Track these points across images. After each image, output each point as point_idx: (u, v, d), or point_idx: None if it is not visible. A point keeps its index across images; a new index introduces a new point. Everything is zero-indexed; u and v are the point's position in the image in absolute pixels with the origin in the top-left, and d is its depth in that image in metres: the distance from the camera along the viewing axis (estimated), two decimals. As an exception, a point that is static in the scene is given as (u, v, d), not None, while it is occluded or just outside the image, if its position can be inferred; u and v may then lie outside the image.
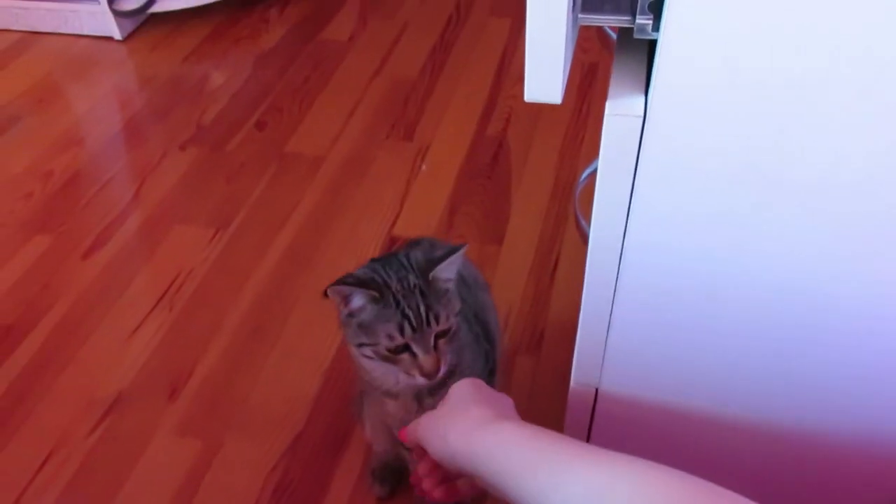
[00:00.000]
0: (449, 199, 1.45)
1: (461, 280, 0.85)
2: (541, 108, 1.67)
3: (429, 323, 0.73)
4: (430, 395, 0.80)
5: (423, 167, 1.53)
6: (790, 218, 0.49)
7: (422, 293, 0.74)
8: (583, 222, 1.02)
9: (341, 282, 0.75)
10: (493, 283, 1.28)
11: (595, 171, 1.10)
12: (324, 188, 1.49)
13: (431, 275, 0.74)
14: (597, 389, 0.65)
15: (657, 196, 0.49)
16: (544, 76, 0.45)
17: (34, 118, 1.72)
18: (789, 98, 0.43)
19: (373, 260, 0.80)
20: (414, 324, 0.73)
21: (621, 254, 0.52)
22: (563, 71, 0.44)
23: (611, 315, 0.57)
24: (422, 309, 0.73)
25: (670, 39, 0.41)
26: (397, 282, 0.74)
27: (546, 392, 1.12)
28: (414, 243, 0.89)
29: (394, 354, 0.74)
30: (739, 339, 0.57)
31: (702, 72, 0.42)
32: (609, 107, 0.45)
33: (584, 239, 1.07)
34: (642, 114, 0.44)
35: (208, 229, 1.41)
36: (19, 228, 1.43)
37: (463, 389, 0.63)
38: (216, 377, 1.16)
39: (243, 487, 1.03)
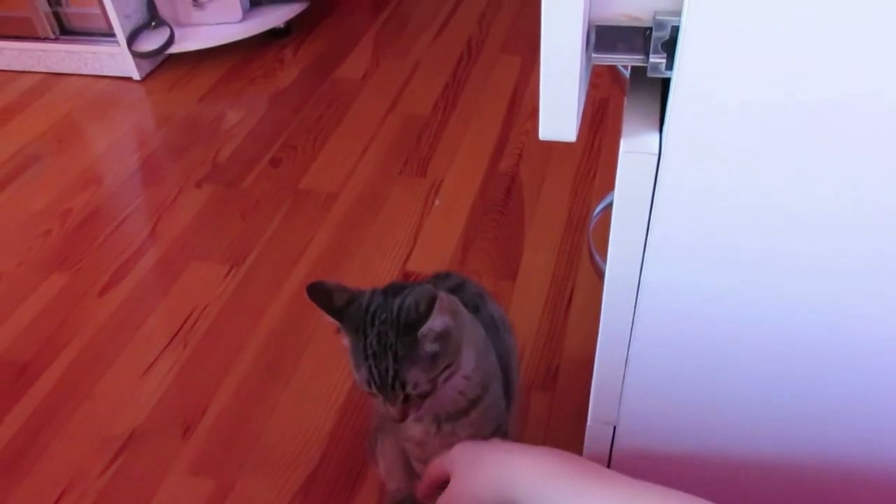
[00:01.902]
0: (462, 234, 1.45)
1: (491, 322, 0.84)
2: (553, 144, 1.68)
3: (393, 388, 0.69)
4: (449, 420, 0.78)
5: (437, 202, 1.54)
6: (808, 255, 0.48)
7: (395, 357, 0.67)
8: (597, 257, 1.01)
9: (318, 292, 0.71)
10: (508, 318, 1.27)
11: (608, 206, 1.10)
12: (338, 224, 1.50)
13: (411, 335, 0.67)
14: (614, 427, 0.64)
15: (673, 233, 0.49)
16: (558, 115, 0.45)
17: (54, 157, 1.75)
18: (805, 135, 0.43)
19: (384, 290, 0.73)
20: (379, 384, 0.69)
21: (638, 291, 0.52)
22: (578, 110, 0.45)
23: (628, 352, 0.56)
24: (390, 373, 0.68)
25: (684, 78, 0.41)
26: (376, 335, 0.68)
27: (562, 428, 1.11)
28: (442, 276, 0.88)
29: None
30: (758, 376, 0.57)
31: (716, 109, 0.42)
32: (624, 144, 0.45)
33: (599, 274, 1.07)
34: (657, 151, 0.44)
35: (223, 266, 1.42)
36: (37, 266, 1.44)
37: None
38: (230, 414, 1.16)
39: (256, 527, 1.02)
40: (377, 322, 0.68)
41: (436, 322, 0.67)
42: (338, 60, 2.05)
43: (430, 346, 0.68)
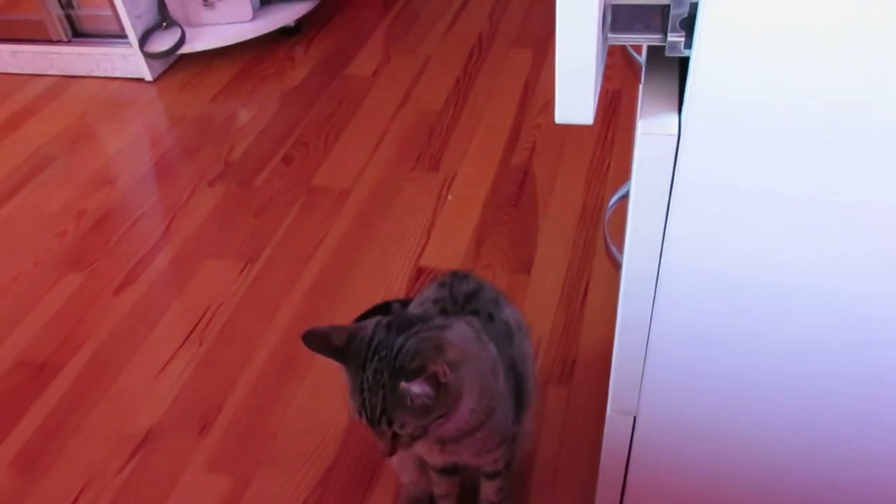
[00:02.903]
0: (476, 228, 1.45)
1: (505, 330, 0.83)
2: (566, 137, 1.67)
3: (380, 423, 0.68)
4: (452, 441, 0.77)
5: (450, 197, 1.53)
6: (832, 243, 0.47)
7: (384, 398, 0.67)
8: (613, 249, 1.00)
9: (314, 339, 0.70)
10: (523, 311, 1.26)
11: (623, 198, 1.09)
12: (351, 220, 1.50)
13: (401, 387, 0.66)
14: (634, 418, 0.63)
15: (694, 218, 0.48)
16: (575, 97, 0.44)
17: (68, 158, 1.76)
18: (831, 117, 0.42)
19: (389, 323, 0.71)
20: (368, 418, 0.69)
21: (657, 278, 0.51)
22: (594, 91, 0.44)
23: (647, 341, 0.55)
24: (378, 410, 0.67)
25: (704, 56, 0.40)
26: (372, 372, 0.67)
27: (579, 423, 1.10)
28: (459, 277, 0.87)
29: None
30: (779, 365, 0.56)
31: (738, 89, 0.41)
32: (641, 126, 0.44)
33: (616, 266, 1.06)
34: (677, 132, 0.43)
35: (237, 263, 1.42)
36: (53, 266, 1.45)
37: None
38: (246, 411, 1.16)
39: (274, 523, 1.01)
40: (377, 358, 0.68)
41: (415, 387, 0.66)
42: (348, 57, 2.04)
43: (419, 399, 0.67)
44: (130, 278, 1.41)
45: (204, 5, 1.99)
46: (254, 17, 2.04)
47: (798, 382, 0.56)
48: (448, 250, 1.40)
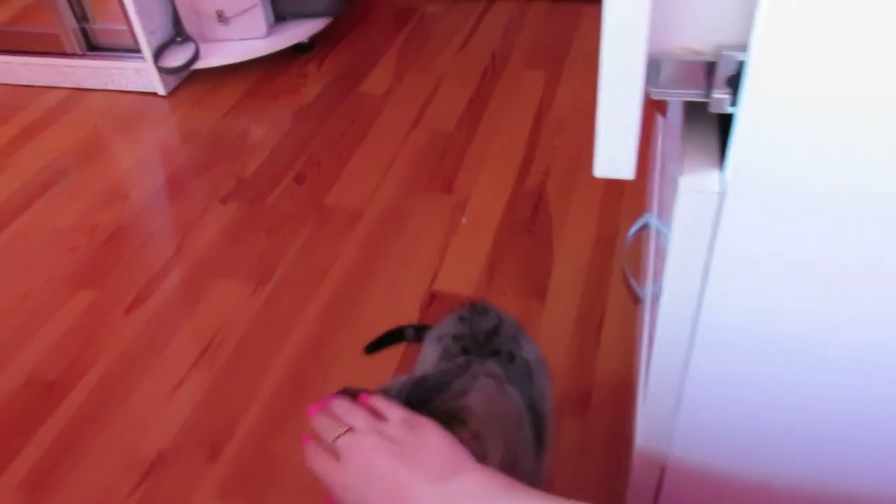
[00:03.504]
0: (489, 252, 1.44)
1: (526, 370, 0.81)
2: (580, 160, 1.66)
3: None
4: None
5: (463, 220, 1.53)
6: (879, 305, 0.46)
7: None
8: (632, 281, 0.99)
9: None
10: (536, 339, 1.24)
11: (641, 229, 1.08)
12: (363, 242, 1.49)
13: None
14: (662, 468, 0.62)
15: (733, 277, 0.46)
16: (616, 151, 0.43)
17: (80, 173, 1.76)
18: (884, 192, 0.40)
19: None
20: None
21: (692, 336, 0.50)
22: (636, 145, 0.43)
23: (680, 396, 0.54)
24: None
25: (750, 117, 0.39)
26: None
27: (595, 456, 1.08)
28: (479, 311, 0.86)
29: None
30: (815, 420, 0.54)
31: (784, 153, 0.40)
32: (683, 183, 0.43)
33: (634, 298, 1.04)
34: (719, 190, 0.42)
35: (248, 284, 1.41)
36: (65, 283, 1.44)
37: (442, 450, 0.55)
38: (256, 436, 1.15)
39: (284, 553, 1.00)
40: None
41: None
42: (361, 75, 2.04)
43: None
44: (142, 297, 1.40)
45: (219, 21, 2.00)
46: (268, 34, 2.04)
47: (833, 444, 0.55)
48: (461, 275, 1.39)
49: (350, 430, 0.59)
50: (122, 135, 1.91)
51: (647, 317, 0.84)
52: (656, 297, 0.81)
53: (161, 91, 2.00)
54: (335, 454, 0.58)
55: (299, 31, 2.08)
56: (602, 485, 1.05)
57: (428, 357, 0.84)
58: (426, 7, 2.37)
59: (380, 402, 0.62)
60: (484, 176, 1.64)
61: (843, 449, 0.57)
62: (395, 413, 0.60)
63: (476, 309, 0.87)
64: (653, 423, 0.57)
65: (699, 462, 0.60)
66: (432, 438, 0.57)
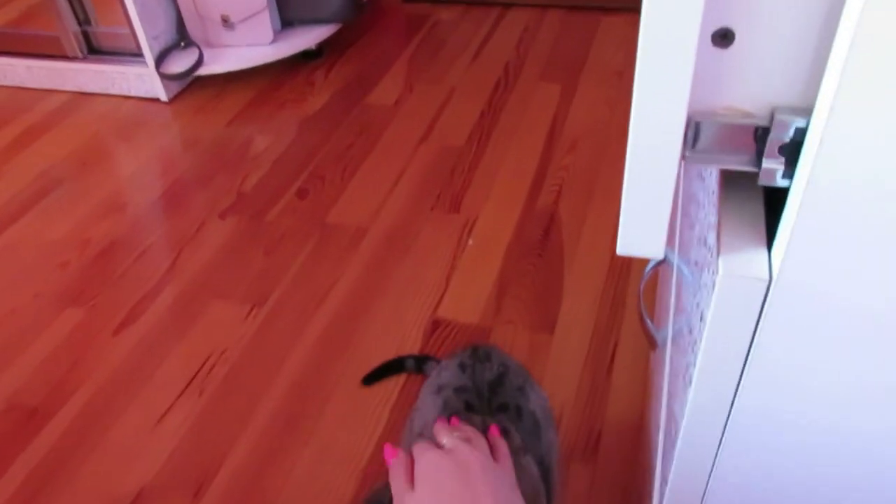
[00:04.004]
0: (497, 278, 1.37)
1: (534, 424, 0.75)
2: (594, 181, 1.59)
3: None
4: None
5: (470, 242, 1.46)
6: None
7: None
8: (648, 322, 0.92)
9: None
10: (544, 375, 1.18)
11: (659, 264, 1.00)
12: (365, 263, 1.42)
13: None
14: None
15: (778, 369, 0.39)
16: (644, 228, 0.36)
17: (77, 181, 1.70)
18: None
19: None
20: None
21: (725, 428, 0.43)
22: (667, 221, 0.36)
23: (706, 488, 0.47)
24: None
25: (813, 193, 0.32)
26: None
27: (603, 501, 1.01)
28: (481, 356, 0.79)
29: None
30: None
31: (853, 232, 0.33)
32: (724, 265, 0.36)
33: (650, 341, 0.97)
34: (768, 277, 0.35)
35: (244, 306, 1.34)
36: (53, 300, 1.38)
37: None
38: (245, 474, 1.08)
39: None
40: None
41: None
42: (370, 85, 1.98)
43: None
44: (132, 317, 1.34)
45: (224, 26, 1.94)
46: (274, 40, 1.97)
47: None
48: (467, 302, 1.32)
49: (468, 439, 0.59)
50: (122, 142, 1.85)
51: (667, 360, 0.77)
52: (675, 346, 0.74)
53: (163, 97, 1.94)
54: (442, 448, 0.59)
55: (307, 38, 2.02)
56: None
57: (428, 411, 0.77)
58: (439, 14, 2.30)
59: (501, 447, 0.63)
60: (493, 195, 1.57)
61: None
62: (508, 463, 0.61)
63: (478, 355, 0.80)
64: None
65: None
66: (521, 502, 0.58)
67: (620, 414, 1.12)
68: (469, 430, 0.62)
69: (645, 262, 1.12)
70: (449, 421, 0.66)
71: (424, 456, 0.57)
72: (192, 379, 1.22)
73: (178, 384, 1.21)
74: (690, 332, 0.50)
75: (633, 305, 1.29)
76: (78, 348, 1.29)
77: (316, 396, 1.18)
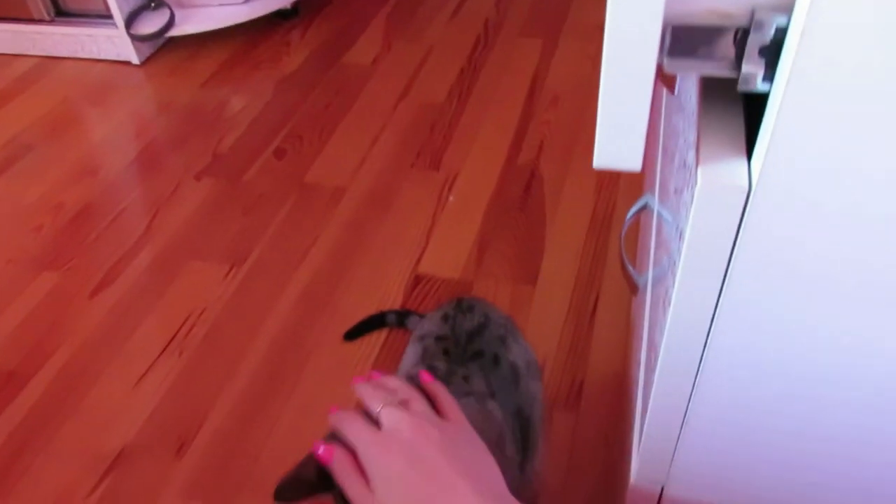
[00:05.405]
0: (478, 233, 1.36)
1: (512, 374, 0.74)
2: (576, 135, 1.58)
3: None
4: None
5: (451, 199, 1.44)
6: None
7: None
8: (630, 268, 0.91)
9: (289, 490, 0.58)
10: (527, 327, 1.18)
11: (640, 210, 0.99)
12: (345, 221, 1.41)
13: None
14: (662, 487, 0.55)
15: (756, 288, 0.38)
16: (621, 139, 0.35)
17: (48, 147, 1.66)
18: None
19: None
20: None
21: (703, 353, 0.42)
22: (644, 132, 0.35)
23: (685, 417, 0.47)
24: None
25: (792, 95, 0.31)
26: None
27: (587, 452, 1.02)
28: (464, 308, 0.78)
29: None
30: (846, 440, 0.47)
31: (832, 137, 0.32)
32: (703, 175, 0.35)
33: (631, 286, 0.97)
34: (747, 185, 0.34)
35: (222, 265, 1.33)
36: (28, 264, 1.36)
37: (433, 438, 0.49)
38: (226, 431, 1.07)
39: (254, 559, 0.93)
40: None
41: None
42: (347, 44, 1.94)
43: None
44: (108, 279, 1.32)
45: (195, -15, 1.88)
46: (248, -1, 1.93)
47: (850, 478, 0.48)
48: (448, 257, 1.31)
49: (404, 403, 0.53)
50: (93, 106, 1.81)
51: (647, 305, 0.77)
52: (655, 284, 0.74)
53: (134, 60, 1.89)
54: (376, 424, 0.52)
55: (281, -3, 1.97)
56: (594, 481, 0.98)
57: (408, 358, 0.77)
58: (416, -28, 2.25)
59: (442, 395, 0.56)
60: (474, 151, 1.56)
61: (860, 484, 0.50)
62: (456, 413, 0.54)
63: (462, 306, 0.80)
64: (654, 445, 0.50)
65: (701, 482, 0.53)
66: (487, 455, 0.52)
67: (603, 363, 1.13)
68: (400, 389, 0.55)
69: (627, 212, 1.11)
70: (369, 379, 0.59)
71: (367, 449, 0.50)
72: (172, 339, 1.20)
73: (158, 344, 1.20)
74: (670, 258, 0.49)
75: (614, 258, 1.29)
76: (54, 312, 1.26)
77: (297, 353, 1.17)
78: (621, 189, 1.42)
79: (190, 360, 1.17)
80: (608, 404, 1.07)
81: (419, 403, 0.53)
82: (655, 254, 0.76)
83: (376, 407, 0.52)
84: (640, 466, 0.53)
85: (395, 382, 0.56)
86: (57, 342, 1.21)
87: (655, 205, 0.86)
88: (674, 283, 0.41)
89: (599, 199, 1.41)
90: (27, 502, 1.00)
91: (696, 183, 0.36)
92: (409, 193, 1.46)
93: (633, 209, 1.00)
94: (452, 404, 0.55)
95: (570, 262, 1.29)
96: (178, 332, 1.21)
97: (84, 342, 1.21)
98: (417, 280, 1.28)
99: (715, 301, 0.39)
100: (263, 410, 1.10)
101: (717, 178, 0.35)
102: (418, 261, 1.31)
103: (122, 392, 1.13)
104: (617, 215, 1.37)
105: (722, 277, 0.38)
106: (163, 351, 1.19)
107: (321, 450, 0.53)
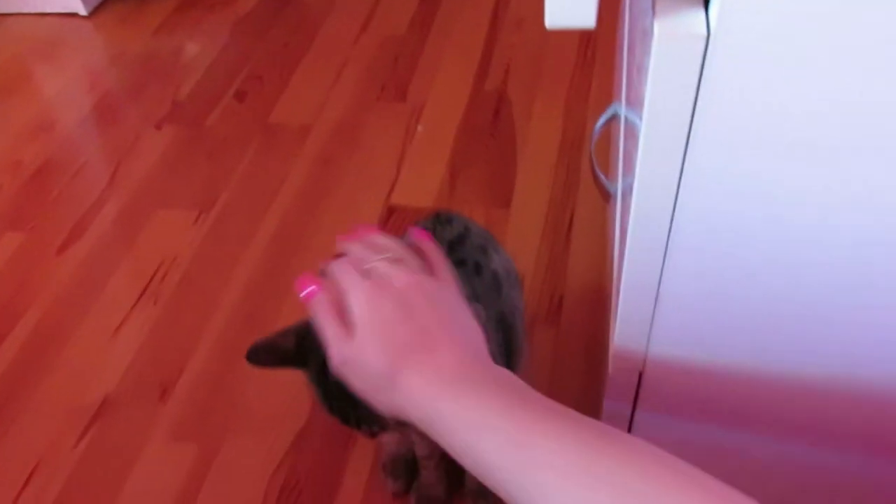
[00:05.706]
0: (449, 161, 1.34)
1: (494, 282, 0.74)
2: (542, 57, 1.54)
3: (359, 427, 0.62)
4: None
5: (420, 129, 1.41)
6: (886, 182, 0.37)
7: (355, 405, 0.57)
8: (602, 177, 0.90)
9: (261, 354, 0.61)
10: (504, 247, 1.17)
11: (609, 121, 0.98)
12: (313, 159, 1.38)
13: None
14: (640, 374, 0.55)
15: (721, 144, 0.37)
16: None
17: (0, 105, 1.60)
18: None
19: None
20: (342, 420, 0.62)
21: (672, 219, 0.41)
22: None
23: (657, 292, 0.46)
24: (350, 416, 0.61)
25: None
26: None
27: (570, 363, 1.02)
28: (443, 221, 0.77)
29: None
30: (815, 296, 0.47)
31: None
32: (659, 26, 0.33)
33: (604, 195, 0.96)
34: (705, 33, 0.33)
35: (191, 212, 1.30)
36: (-11, 226, 1.32)
37: (424, 292, 0.48)
38: (208, 374, 1.07)
39: (246, 492, 0.94)
40: None
41: None
42: (302, -20, 1.87)
43: None
44: (75, 235, 1.29)
45: (137, -73, 1.80)
46: (194, -61, 1.85)
47: (820, 334, 0.47)
48: (421, 186, 1.29)
49: (397, 261, 0.51)
50: (43, 61, 1.74)
51: (618, 212, 0.76)
52: (628, 191, 0.73)
53: (82, 11, 1.82)
54: (365, 274, 0.50)
55: (229, -65, 1.89)
56: (577, 394, 0.99)
57: None
58: None
59: (434, 254, 0.55)
60: (440, 80, 1.52)
61: (830, 338, 0.50)
62: (447, 274, 0.53)
63: (440, 219, 0.79)
64: (630, 322, 0.49)
65: (680, 360, 0.53)
66: (471, 320, 0.51)
67: (581, 276, 1.13)
68: (393, 247, 0.53)
69: (597, 124, 1.10)
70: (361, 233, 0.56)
71: (358, 292, 0.48)
72: (146, 288, 1.18)
73: (132, 295, 1.18)
74: (636, 126, 0.47)
75: (587, 175, 1.28)
76: (21, 271, 1.24)
77: (273, 293, 1.15)
78: (591, 107, 1.40)
79: (166, 307, 1.15)
80: (588, 315, 1.08)
81: (412, 261, 0.52)
82: (625, 161, 0.75)
83: (368, 260, 0.51)
84: (616, 354, 0.53)
85: (385, 241, 0.54)
86: (28, 301, 1.19)
87: (623, 111, 0.85)
88: (637, 148, 0.40)
89: (569, 120, 1.39)
90: (13, 460, 1.00)
91: (653, 35, 0.34)
92: (377, 126, 1.43)
93: (602, 119, 0.98)
94: (444, 264, 0.54)
95: (544, 182, 1.27)
96: (151, 280, 1.19)
97: (56, 298, 1.19)
98: (391, 211, 1.26)
99: (680, 162, 0.38)
100: (243, 350, 1.08)
101: (674, 28, 0.33)
102: (390, 192, 1.29)
103: (100, 344, 1.12)
104: (587, 133, 1.35)
105: (686, 135, 0.37)
106: (137, 300, 1.17)
107: (307, 289, 0.52)
